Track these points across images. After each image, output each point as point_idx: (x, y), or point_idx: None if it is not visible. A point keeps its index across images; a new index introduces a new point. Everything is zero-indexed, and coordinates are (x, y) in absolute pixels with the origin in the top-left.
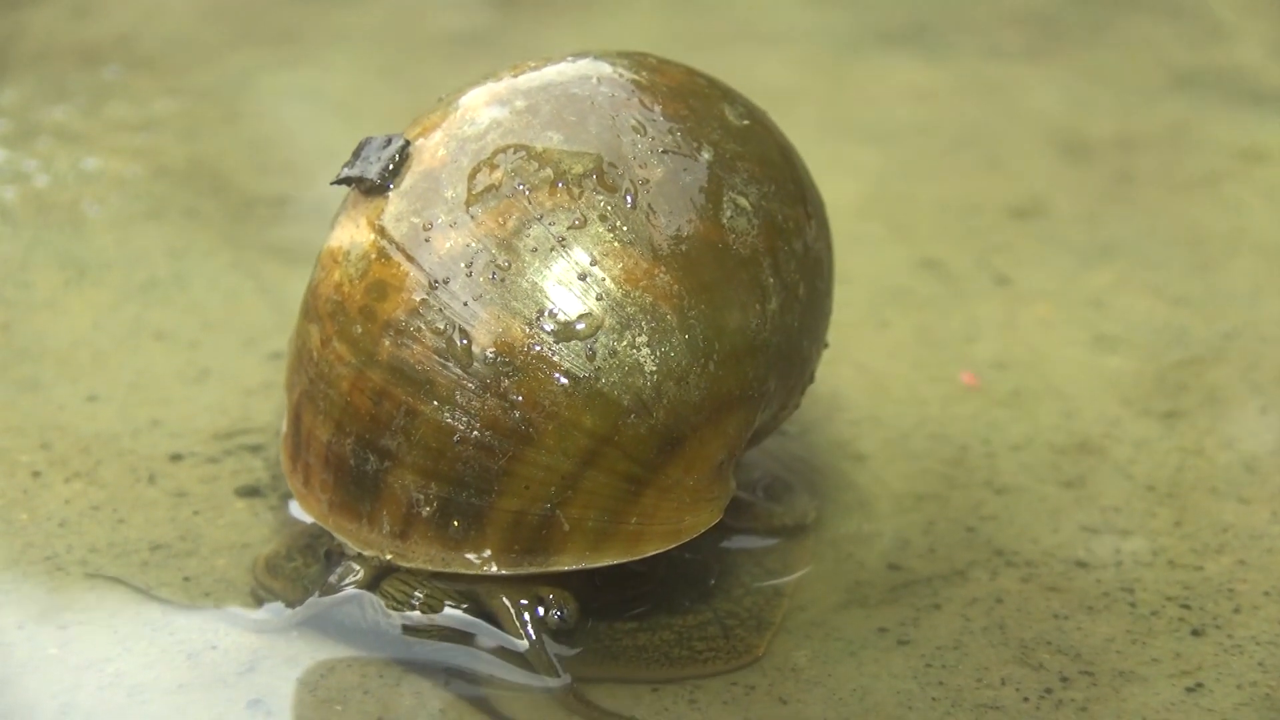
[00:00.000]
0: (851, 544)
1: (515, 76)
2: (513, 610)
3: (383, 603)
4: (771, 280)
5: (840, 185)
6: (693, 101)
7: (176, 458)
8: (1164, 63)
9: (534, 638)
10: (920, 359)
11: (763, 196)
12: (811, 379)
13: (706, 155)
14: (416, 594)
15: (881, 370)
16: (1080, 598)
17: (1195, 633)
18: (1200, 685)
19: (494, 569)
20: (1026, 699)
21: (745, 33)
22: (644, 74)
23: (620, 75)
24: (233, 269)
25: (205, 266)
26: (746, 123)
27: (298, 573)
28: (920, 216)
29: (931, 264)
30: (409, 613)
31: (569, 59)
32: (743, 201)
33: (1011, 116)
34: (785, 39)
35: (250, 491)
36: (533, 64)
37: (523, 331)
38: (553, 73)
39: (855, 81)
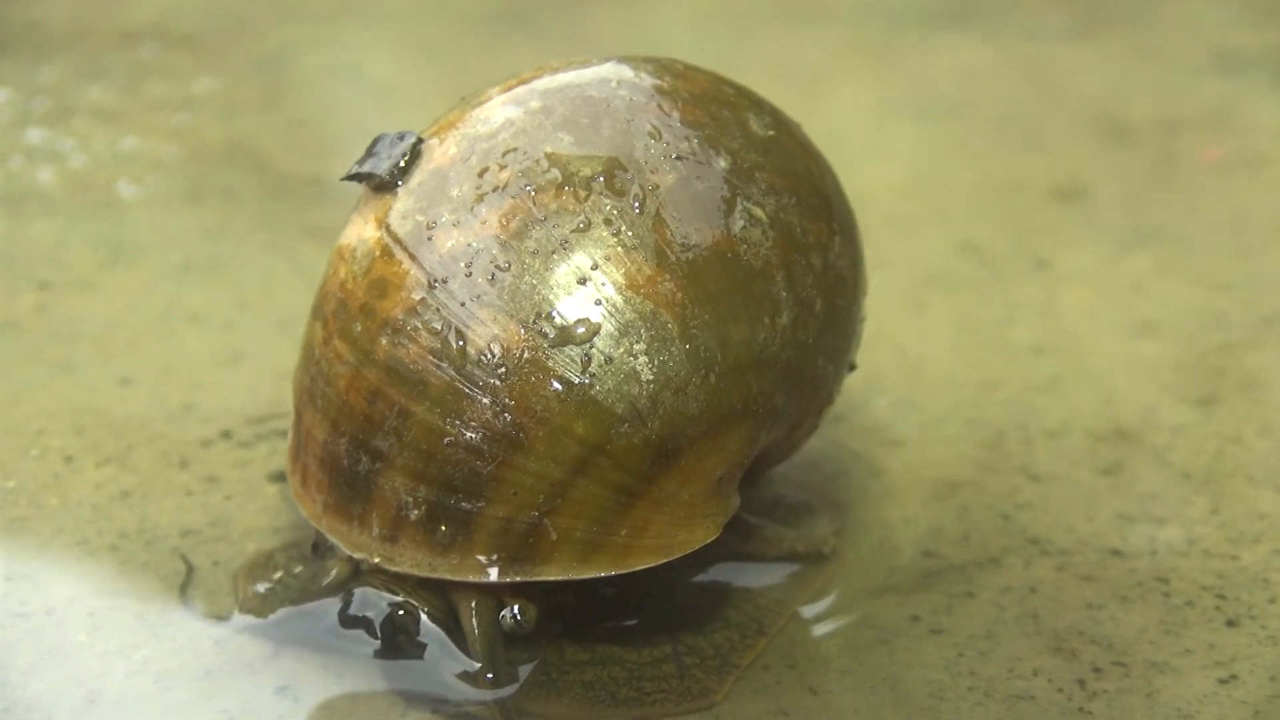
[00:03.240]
0: (885, 530)
1: (536, 78)
2: (470, 607)
3: (358, 600)
4: (785, 294)
5: (881, 166)
6: (714, 109)
7: (208, 442)
8: (1208, 43)
9: (481, 633)
10: (958, 343)
11: (781, 209)
12: (830, 399)
13: (723, 164)
14: (394, 593)
15: (919, 354)
16: (1114, 587)
17: (1230, 623)
18: (1234, 677)
19: (479, 576)
20: (1060, 689)
21: (788, 12)
22: (667, 79)
23: (641, 79)
24: (269, 250)
25: (241, 248)
26: (771, 133)
27: (281, 581)
28: (960, 198)
29: (971, 247)
30: (380, 619)
31: (594, 62)
32: (758, 212)
33: (1054, 97)
34: (829, 18)
35: (282, 476)
36: (556, 65)
37: (518, 335)
38: (572, 75)
39: (898, 61)
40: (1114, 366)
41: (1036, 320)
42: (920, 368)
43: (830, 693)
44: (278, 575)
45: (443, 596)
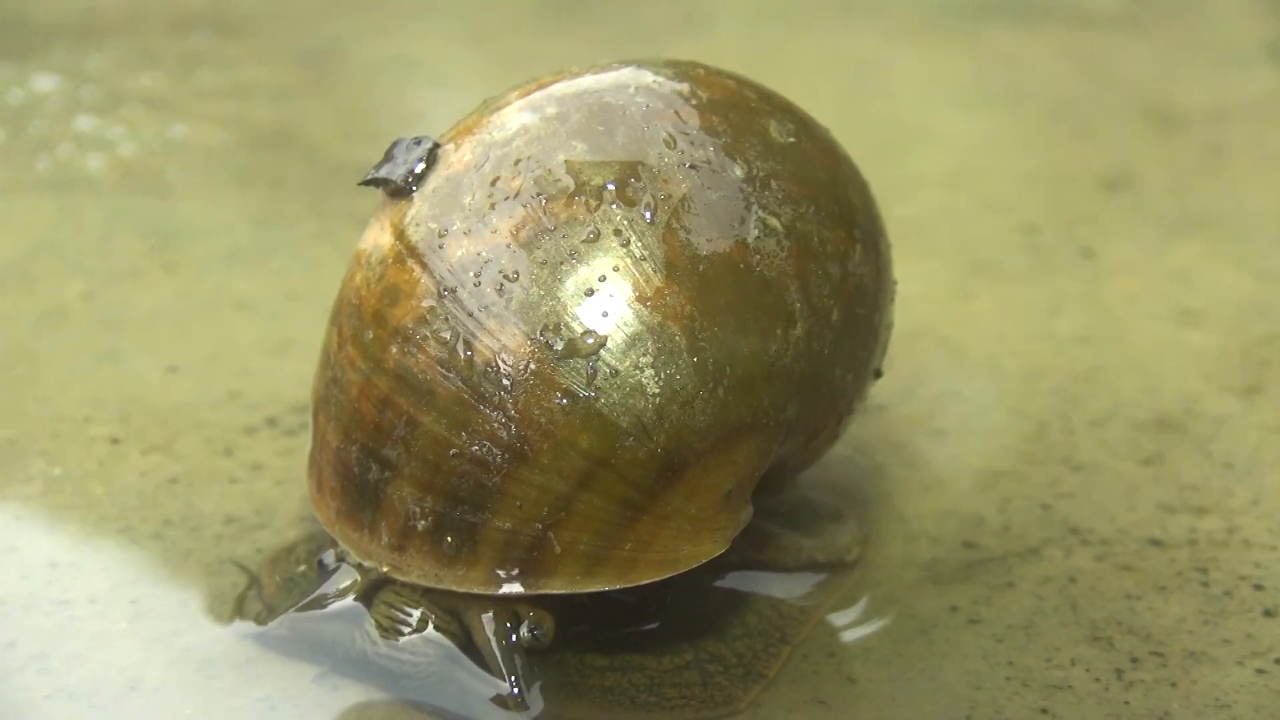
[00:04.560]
0: (926, 521)
1: (555, 83)
2: (486, 624)
3: (373, 624)
4: (799, 305)
5: (930, 156)
6: (733, 115)
7: (253, 430)
8: (1257, 33)
9: (501, 651)
10: (1003, 332)
11: (798, 218)
12: (851, 408)
13: (738, 172)
14: (411, 614)
15: (964, 343)
16: (1153, 577)
17: (1268, 614)
18: (1274, 665)
19: (484, 588)
20: (1097, 679)
21: (838, 3)
22: (686, 85)
23: (660, 85)
24: (317, 239)
25: (290, 236)
26: (792, 140)
27: (294, 577)
28: (1009, 188)
29: (1018, 236)
30: (396, 640)
31: (614, 67)
32: (773, 222)
33: (1103, 87)
34: (881, 8)
35: None
36: (576, 70)
37: (525, 346)
38: (590, 80)
39: (949, 51)
40: (1158, 356)
41: (1082, 310)
42: (965, 357)
43: (868, 682)
44: (300, 569)
45: (457, 617)
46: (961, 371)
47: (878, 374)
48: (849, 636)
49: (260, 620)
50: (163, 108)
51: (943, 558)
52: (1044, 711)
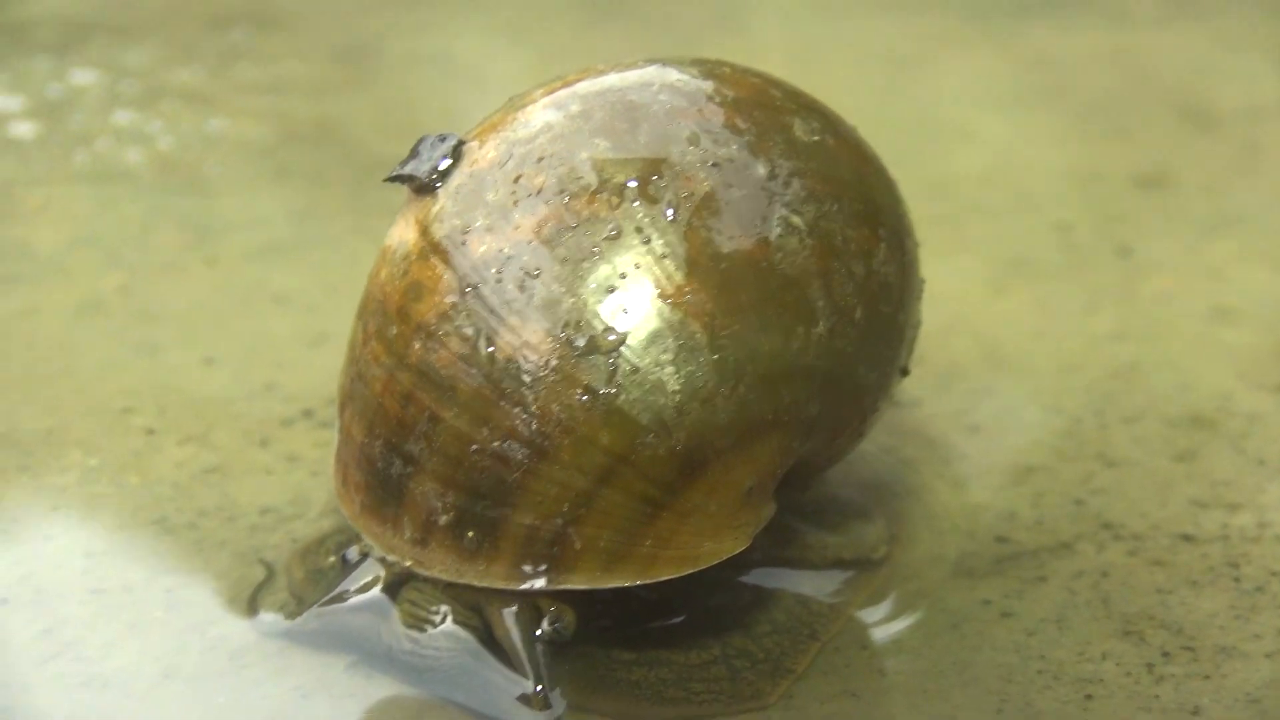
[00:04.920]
0: (959, 515)
1: (580, 80)
2: (507, 618)
3: (398, 618)
4: (821, 303)
5: (966, 153)
6: (757, 114)
7: (289, 421)
8: None
9: (523, 645)
10: (1038, 329)
11: (821, 216)
12: (875, 407)
13: (761, 170)
14: (435, 609)
15: (999, 340)
16: (1185, 572)
17: None
18: None
19: (505, 583)
20: (1128, 673)
21: (876, 0)
22: (711, 83)
23: (684, 83)
24: (355, 233)
25: (327, 230)
26: (817, 139)
27: (323, 570)
28: (1044, 185)
29: (1053, 234)
30: (421, 633)
31: (639, 64)
32: (796, 220)
33: (1139, 85)
34: (918, 5)
35: None
36: (601, 67)
37: (545, 342)
38: (615, 78)
39: (986, 49)
40: (1193, 353)
41: (1116, 307)
42: (999, 354)
43: (900, 674)
44: (330, 560)
45: (479, 612)
46: (996, 368)
47: (904, 372)
48: (881, 630)
49: (289, 613)
50: (201, 102)
51: (975, 552)
52: (1074, 705)
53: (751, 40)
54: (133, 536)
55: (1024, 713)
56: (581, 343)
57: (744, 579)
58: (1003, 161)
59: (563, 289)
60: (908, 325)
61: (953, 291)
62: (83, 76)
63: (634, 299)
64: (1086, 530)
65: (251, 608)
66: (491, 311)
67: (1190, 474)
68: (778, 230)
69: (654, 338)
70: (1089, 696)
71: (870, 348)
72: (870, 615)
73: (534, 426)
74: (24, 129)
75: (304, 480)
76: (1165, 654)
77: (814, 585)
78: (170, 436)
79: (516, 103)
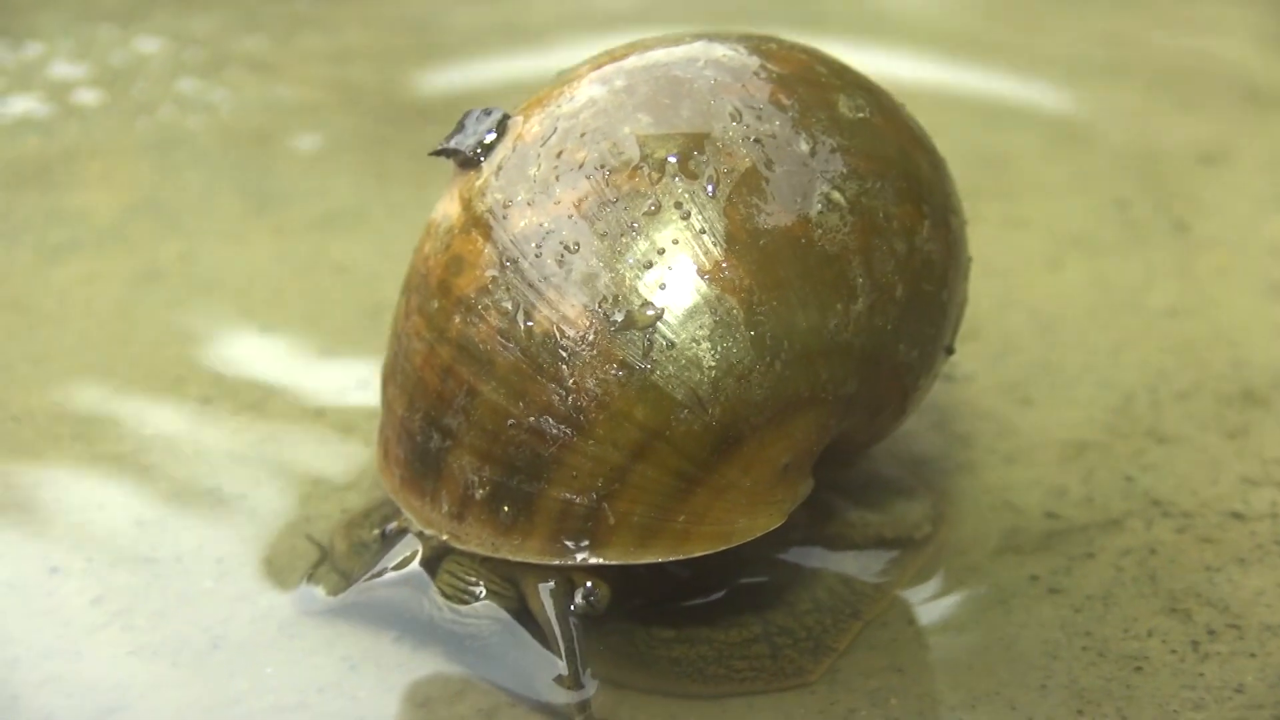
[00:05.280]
0: (1010, 491)
1: (627, 55)
2: (542, 592)
3: (438, 591)
4: (861, 280)
5: (1026, 128)
6: (802, 90)
7: (344, 391)
8: None
9: (557, 619)
10: (1093, 304)
11: (863, 193)
12: (917, 385)
13: (804, 146)
14: (473, 582)
15: (1054, 315)
16: (1233, 550)
17: None
18: None
19: (540, 558)
20: (1173, 650)
21: None
22: (757, 59)
23: (729, 59)
24: (416, 203)
25: (388, 199)
26: (862, 116)
27: (366, 543)
28: (1104, 161)
29: (1112, 209)
30: (460, 606)
31: (686, 40)
32: (837, 196)
33: (1202, 61)
34: None
35: None
36: (649, 43)
37: (582, 317)
38: (661, 53)
39: (1049, 24)
40: (1248, 330)
41: (1173, 283)
42: (1054, 329)
43: (946, 649)
44: (374, 533)
45: (514, 585)
46: (1050, 342)
47: (949, 351)
48: (928, 605)
49: (332, 589)
50: (265, 70)
51: (1024, 527)
52: (1118, 682)
53: (816, 9)
54: (185, 506)
55: (1068, 689)
56: (618, 318)
57: (785, 557)
58: (1063, 136)
59: (601, 264)
60: (952, 304)
61: (1009, 266)
62: (147, 44)
63: (671, 274)
64: (1136, 507)
65: (307, 580)
66: (530, 286)
67: (1241, 451)
68: (818, 207)
69: (691, 313)
70: (1138, 670)
71: (911, 325)
72: (918, 590)
73: (569, 401)
74: (88, 96)
75: (358, 451)
76: (1211, 631)
77: (858, 564)
78: (225, 405)
79: (564, 78)
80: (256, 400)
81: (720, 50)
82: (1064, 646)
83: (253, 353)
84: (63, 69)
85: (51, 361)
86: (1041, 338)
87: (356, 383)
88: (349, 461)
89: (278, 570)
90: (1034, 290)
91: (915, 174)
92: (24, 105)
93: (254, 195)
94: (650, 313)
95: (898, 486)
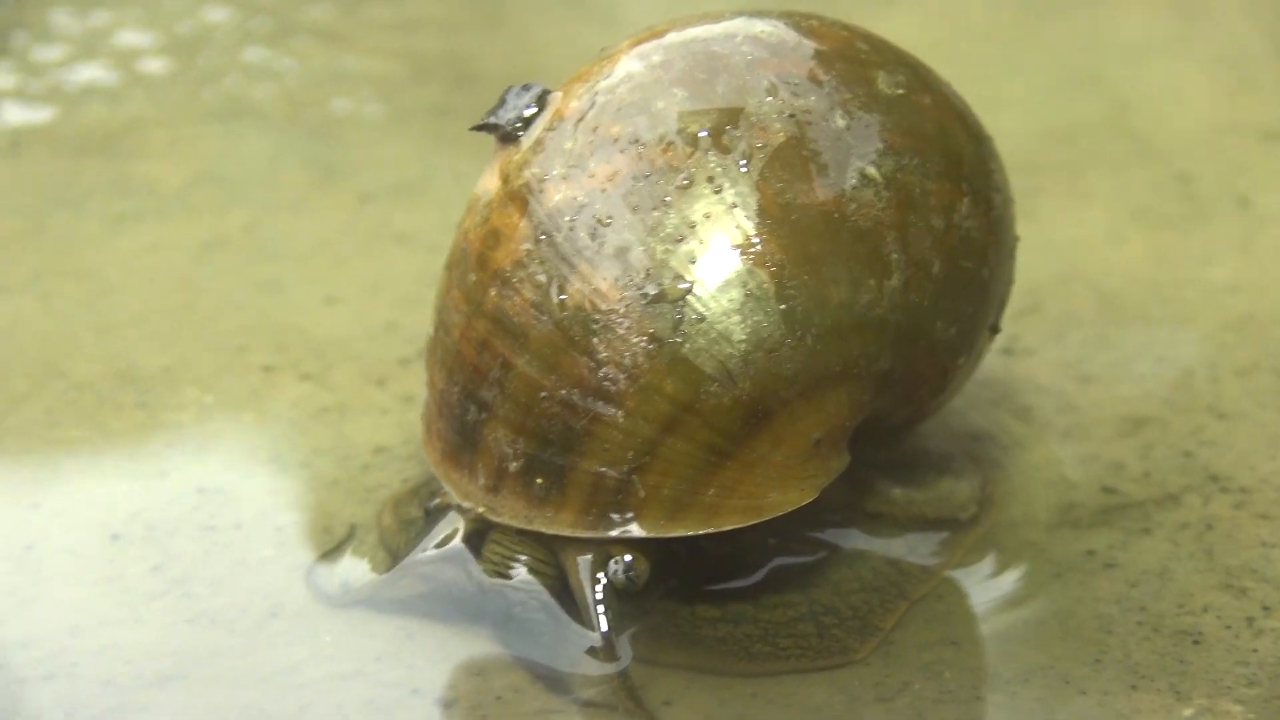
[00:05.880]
0: (1067, 466)
1: (667, 31)
2: (581, 565)
3: (482, 566)
4: (896, 256)
5: (1092, 102)
6: (840, 66)
7: (408, 361)
8: None
9: (593, 592)
10: (1154, 279)
11: (900, 169)
12: (955, 364)
13: (840, 122)
14: (516, 556)
15: (1115, 290)
16: None
17: None
18: None
19: (572, 530)
20: (1227, 626)
21: None
22: (795, 34)
23: (768, 35)
24: (480, 173)
25: (454, 169)
26: (901, 92)
27: (412, 520)
28: (1169, 136)
29: (1174, 184)
30: (503, 581)
31: (725, 16)
32: (872, 172)
33: (1271, 37)
34: None
35: None
36: (691, 19)
37: (613, 290)
38: (701, 29)
39: None
40: None
41: (1234, 259)
42: (1115, 304)
43: (1000, 623)
44: (420, 511)
45: (556, 560)
46: (1111, 317)
47: (994, 330)
48: (984, 579)
49: (376, 565)
50: (332, 40)
51: (1081, 502)
52: (1172, 657)
53: None
54: (246, 474)
55: (1122, 664)
56: (650, 291)
57: (829, 536)
58: (1129, 111)
59: (633, 237)
60: (994, 281)
61: (1071, 240)
62: (215, 13)
63: (702, 248)
64: (1194, 482)
65: (322, 563)
66: (563, 259)
67: None
68: (853, 182)
69: (721, 287)
70: (1193, 645)
71: (949, 302)
72: (973, 565)
73: (600, 374)
74: (155, 65)
75: (419, 421)
76: (1266, 608)
77: (905, 544)
78: (288, 374)
79: (605, 53)
80: (319, 369)
81: (759, 26)
82: (1118, 621)
83: (315, 322)
84: (130, 37)
85: (115, 330)
86: (1102, 313)
87: (418, 352)
88: (410, 431)
89: (336, 539)
90: (1095, 265)
91: (955, 151)
92: (90, 73)
93: (319, 165)
94: (681, 286)
95: (946, 466)
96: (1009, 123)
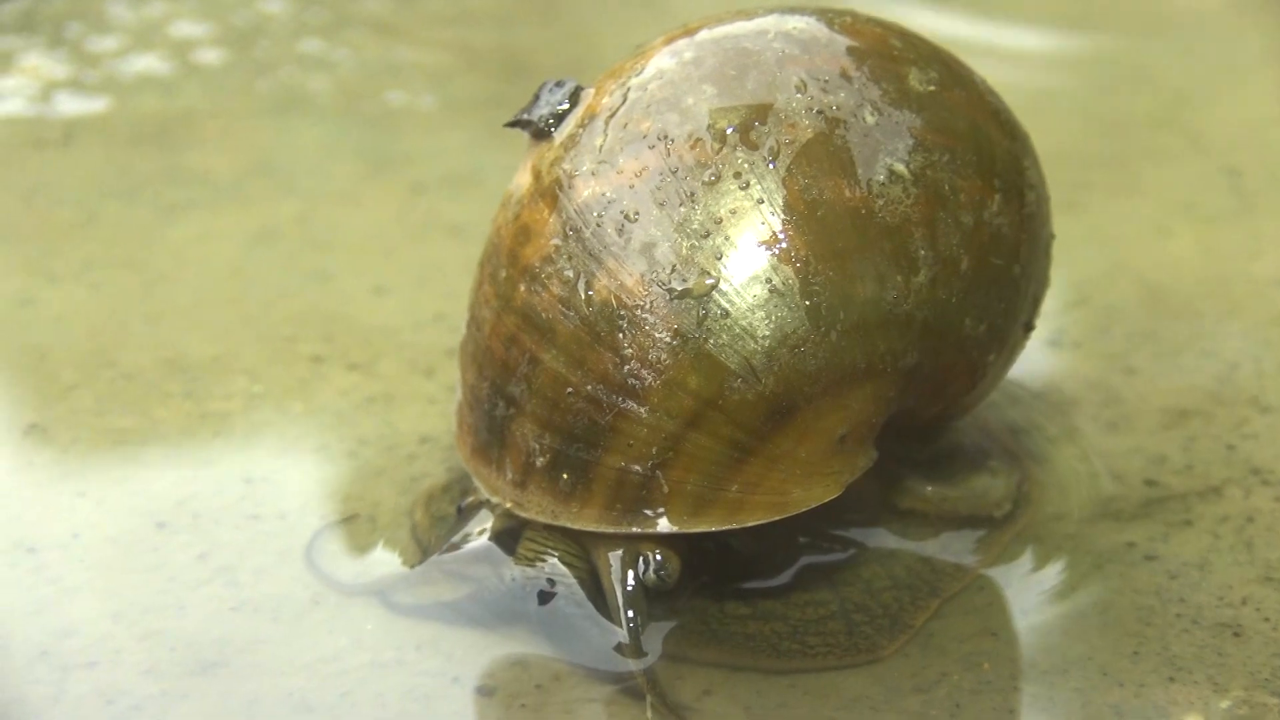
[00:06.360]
0: (1110, 458)
1: (700, 28)
2: (613, 561)
3: (515, 563)
4: (923, 252)
5: (1141, 96)
6: (872, 62)
7: (455, 352)
8: None
9: (625, 592)
10: (1201, 273)
11: (929, 165)
12: (985, 361)
13: (870, 119)
14: (549, 554)
15: (1161, 283)
16: None
17: None
18: None
19: (596, 526)
20: (1266, 619)
21: None
22: (827, 31)
23: (800, 32)
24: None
25: (505, 162)
26: (933, 89)
27: (445, 516)
28: (1218, 130)
29: (1223, 178)
30: (535, 579)
31: (759, 13)
32: (900, 169)
33: None
34: None
35: None
36: (725, 16)
37: (639, 286)
38: (735, 26)
39: None
40: None
41: None
42: (1161, 297)
43: (1040, 614)
44: (451, 510)
45: (587, 559)
46: (1157, 311)
47: (1028, 327)
48: (1025, 570)
49: (409, 560)
50: (388, 32)
51: (1123, 495)
52: (1210, 649)
53: None
54: (292, 464)
55: (1160, 656)
56: (675, 286)
57: (861, 534)
58: (1176, 104)
59: (659, 233)
60: (1027, 279)
61: (1119, 234)
62: (271, 5)
63: (728, 244)
64: (1236, 475)
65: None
66: (591, 255)
67: None
68: (881, 178)
69: (746, 283)
70: (1232, 637)
71: (978, 299)
72: (1014, 556)
73: (625, 369)
74: (210, 56)
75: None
76: None
77: (939, 542)
78: (336, 364)
79: (639, 50)
80: (367, 359)
81: (792, 23)
82: (1158, 613)
83: (365, 312)
84: (185, 28)
85: (165, 319)
86: (1148, 306)
87: None
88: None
89: (381, 527)
90: (1143, 258)
91: (987, 148)
92: (145, 64)
93: (371, 156)
94: (707, 282)
95: (981, 463)
96: (1058, 116)
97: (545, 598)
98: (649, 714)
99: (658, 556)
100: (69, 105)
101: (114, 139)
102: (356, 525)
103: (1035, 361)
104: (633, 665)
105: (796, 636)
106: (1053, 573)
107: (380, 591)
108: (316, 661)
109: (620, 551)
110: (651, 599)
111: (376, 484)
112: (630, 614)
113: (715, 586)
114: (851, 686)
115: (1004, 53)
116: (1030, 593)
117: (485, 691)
